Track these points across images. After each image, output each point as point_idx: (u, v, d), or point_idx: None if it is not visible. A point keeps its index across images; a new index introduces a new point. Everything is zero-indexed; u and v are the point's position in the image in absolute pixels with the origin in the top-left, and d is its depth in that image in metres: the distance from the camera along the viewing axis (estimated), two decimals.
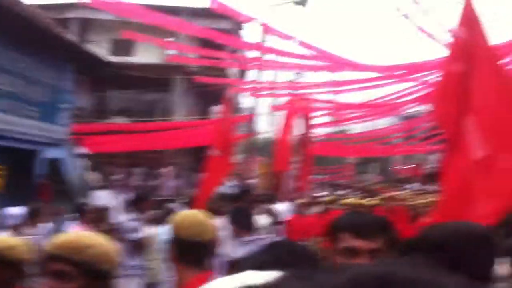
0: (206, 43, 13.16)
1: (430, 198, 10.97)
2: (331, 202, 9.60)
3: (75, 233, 1.88)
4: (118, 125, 17.75)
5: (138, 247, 5.82)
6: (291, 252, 1.37)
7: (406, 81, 13.03)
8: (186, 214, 2.44)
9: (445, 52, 10.16)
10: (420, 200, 8.31)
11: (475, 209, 3.08)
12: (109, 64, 16.51)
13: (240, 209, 8.75)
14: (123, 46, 21.00)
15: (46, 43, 10.71)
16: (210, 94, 20.92)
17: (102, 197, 10.65)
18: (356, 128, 41.41)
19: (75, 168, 10.85)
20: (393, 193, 14.91)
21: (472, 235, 1.59)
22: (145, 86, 18.65)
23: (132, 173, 17.69)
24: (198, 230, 2.32)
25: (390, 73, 11.38)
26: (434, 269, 0.74)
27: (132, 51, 21.56)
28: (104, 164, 16.86)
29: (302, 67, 13.72)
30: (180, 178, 20.06)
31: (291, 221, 8.31)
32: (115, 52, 20.30)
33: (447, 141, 3.52)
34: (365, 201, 9.09)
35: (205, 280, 2.24)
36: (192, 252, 2.30)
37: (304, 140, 19.96)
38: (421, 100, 16.63)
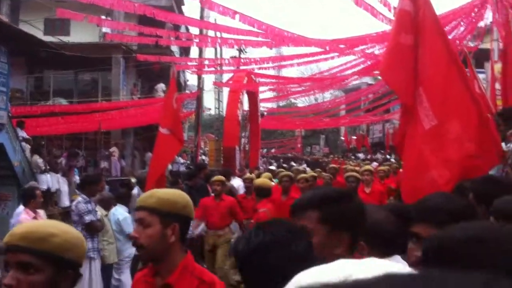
0: (146, 21, 12.89)
1: (379, 167, 11.43)
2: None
3: (37, 222, 1.78)
4: (59, 106, 17.16)
5: (92, 229, 5.76)
6: (289, 230, 1.40)
7: (348, 54, 13.33)
8: (175, 192, 2.29)
9: (385, 26, 10.50)
10: (367, 168, 8.52)
11: (433, 178, 3.23)
12: (45, 44, 15.86)
13: (197, 186, 8.83)
14: (58, 26, 20.19)
15: None
16: (152, 72, 20.58)
17: (49, 181, 10.40)
18: (302, 101, 42.10)
19: (18, 152, 10.48)
20: (341, 164, 15.34)
21: None
22: (84, 66, 18.06)
23: (77, 155, 17.23)
24: (191, 207, 2.28)
25: (332, 47, 11.59)
26: None
27: (68, 30, 20.79)
28: (47, 147, 16.36)
29: (244, 43, 13.71)
30: (127, 158, 19.76)
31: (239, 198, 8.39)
32: (51, 32, 19.48)
33: (402, 113, 3.65)
34: (310, 173, 9.23)
35: (192, 259, 2.29)
36: (186, 232, 2.28)
37: (251, 115, 20.18)
38: (362, 73, 17.13)
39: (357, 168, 10.06)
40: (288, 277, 0.75)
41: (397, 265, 0.73)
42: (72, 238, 1.66)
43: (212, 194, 7.78)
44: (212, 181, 7.80)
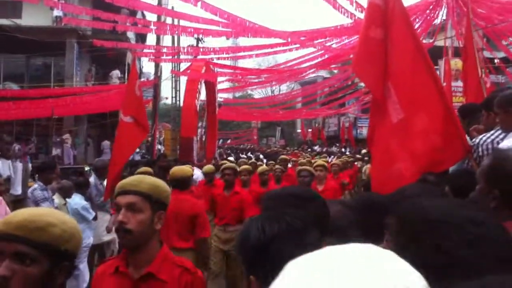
0: (101, 5, 12.52)
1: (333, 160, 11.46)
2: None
3: (33, 209, 1.66)
4: (10, 91, 16.48)
5: None
6: (302, 219, 1.38)
7: (308, 47, 13.44)
8: (161, 181, 2.29)
9: (346, 19, 10.64)
10: (320, 163, 7.84)
11: (399, 171, 3.28)
12: None
13: (157, 175, 8.68)
14: (10, 8, 19.36)
15: None
16: (107, 59, 20.07)
17: (0, 167, 9.97)
18: (258, 93, 42.21)
19: None
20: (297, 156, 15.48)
21: None
22: (36, 50, 17.41)
23: (28, 142, 16.64)
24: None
25: (293, 38, 11.65)
26: None
27: (20, 13, 19.96)
28: None
29: (204, 32, 13.55)
30: (80, 146, 19.26)
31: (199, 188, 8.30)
32: (1, 14, 18.67)
33: (372, 106, 3.69)
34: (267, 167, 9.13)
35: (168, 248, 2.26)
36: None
37: (209, 105, 20.03)
38: (320, 66, 17.32)
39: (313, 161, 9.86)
40: None
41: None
42: (70, 228, 1.57)
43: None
44: (223, 168, 6.96)
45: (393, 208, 1.87)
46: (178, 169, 5.40)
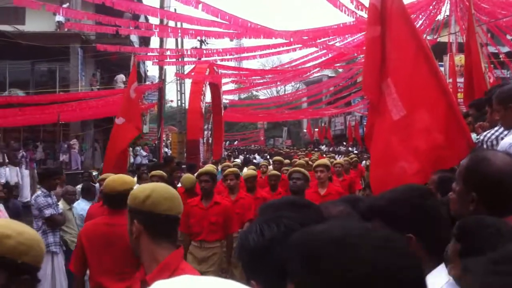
0: (103, 10, 12.54)
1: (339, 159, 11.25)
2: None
3: None
4: (16, 97, 16.58)
5: (53, 223, 5.59)
6: (300, 222, 1.34)
7: (310, 46, 13.38)
8: (156, 186, 2.17)
9: (348, 18, 10.59)
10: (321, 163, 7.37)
11: (402, 169, 3.24)
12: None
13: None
14: (12, 14, 19.44)
15: None
16: (111, 63, 20.13)
17: (7, 174, 10.04)
18: (263, 93, 42.22)
19: None
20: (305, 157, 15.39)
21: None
22: (41, 56, 17.49)
23: (35, 148, 16.73)
24: (175, 204, 2.13)
25: (296, 38, 11.59)
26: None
27: (24, 19, 20.05)
28: (4, 139, 15.80)
29: (206, 34, 13.53)
30: (87, 151, 19.33)
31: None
32: (5, 21, 18.76)
33: (371, 105, 3.64)
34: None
35: (181, 255, 2.22)
36: (168, 228, 2.13)
37: (214, 107, 20.05)
38: (324, 65, 17.25)
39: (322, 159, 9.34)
40: None
41: None
42: (27, 239, 1.50)
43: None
44: (224, 174, 6.64)
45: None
46: (113, 180, 3.65)
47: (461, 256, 1.46)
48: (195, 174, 6.43)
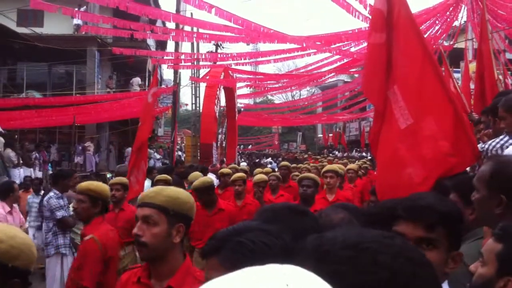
0: (121, 13, 12.70)
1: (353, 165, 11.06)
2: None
3: None
4: (33, 99, 16.82)
5: (64, 225, 5.65)
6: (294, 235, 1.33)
7: (324, 51, 13.38)
8: (183, 192, 2.20)
9: (361, 23, 10.57)
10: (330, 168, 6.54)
11: (409, 176, 3.20)
12: (18, 36, 15.51)
13: (175, 181, 8.72)
14: (31, 17, 19.75)
15: None
16: (127, 66, 20.32)
17: (21, 175, 10.18)
18: (278, 98, 42.22)
19: None
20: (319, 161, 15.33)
21: None
22: (58, 58, 17.73)
23: (47, 149, 16.94)
24: (195, 209, 2.23)
25: (309, 43, 11.60)
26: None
27: (42, 21, 20.35)
28: (20, 140, 16.04)
29: (220, 38, 13.61)
30: (102, 153, 19.51)
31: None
32: (24, 23, 19.06)
33: (375, 111, 3.61)
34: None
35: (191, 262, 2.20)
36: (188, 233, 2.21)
37: (228, 111, 20.10)
38: (339, 70, 17.23)
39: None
40: None
41: None
42: (18, 244, 1.51)
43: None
44: (232, 180, 6.58)
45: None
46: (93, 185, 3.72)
47: (500, 257, 1.40)
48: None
